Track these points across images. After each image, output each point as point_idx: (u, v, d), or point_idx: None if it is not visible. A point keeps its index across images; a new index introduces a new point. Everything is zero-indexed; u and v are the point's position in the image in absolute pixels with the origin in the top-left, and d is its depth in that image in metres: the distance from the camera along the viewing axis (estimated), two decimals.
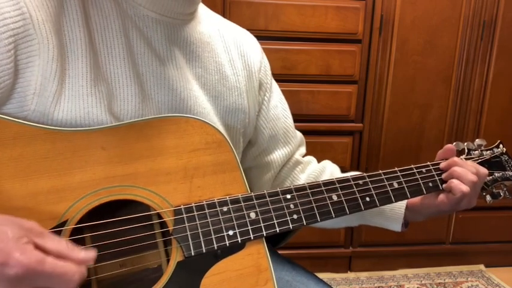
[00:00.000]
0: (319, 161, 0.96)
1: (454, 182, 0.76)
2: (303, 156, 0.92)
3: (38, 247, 0.45)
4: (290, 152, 0.88)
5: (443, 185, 0.78)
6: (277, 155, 0.87)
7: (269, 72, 0.87)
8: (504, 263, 2.25)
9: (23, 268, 0.42)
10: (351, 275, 2.14)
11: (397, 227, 0.85)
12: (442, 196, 0.78)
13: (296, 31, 1.84)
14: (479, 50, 1.98)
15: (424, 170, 0.78)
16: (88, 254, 0.48)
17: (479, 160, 0.84)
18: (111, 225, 0.57)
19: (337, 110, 1.94)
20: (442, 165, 0.80)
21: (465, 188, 0.75)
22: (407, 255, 2.18)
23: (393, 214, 0.84)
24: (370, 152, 2.03)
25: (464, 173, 0.76)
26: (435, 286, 2.06)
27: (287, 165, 0.89)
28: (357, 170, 2.03)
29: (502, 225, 2.21)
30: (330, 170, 0.91)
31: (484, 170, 0.79)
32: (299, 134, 0.92)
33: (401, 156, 2.04)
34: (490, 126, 2.06)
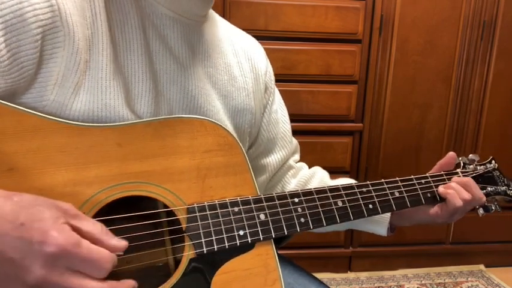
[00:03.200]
0: (318, 162, 0.98)
1: (451, 194, 0.80)
2: (296, 163, 0.94)
3: (74, 229, 0.46)
4: (285, 157, 0.90)
5: (439, 190, 0.81)
6: (273, 158, 0.89)
7: (273, 78, 0.89)
8: (504, 263, 2.26)
9: (59, 247, 0.43)
10: (351, 275, 2.14)
11: (383, 231, 0.88)
12: (436, 208, 0.82)
13: (296, 31, 1.85)
14: (479, 50, 1.98)
15: (423, 181, 0.82)
16: (121, 242, 0.49)
17: (474, 174, 0.88)
18: (126, 220, 0.57)
19: (337, 110, 1.95)
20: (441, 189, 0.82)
21: (458, 203, 0.79)
22: (407, 255, 2.18)
23: (379, 218, 0.87)
24: (370, 152, 2.03)
25: (460, 190, 0.80)
26: (435, 286, 2.06)
27: (281, 170, 0.91)
28: (357, 170, 2.04)
29: (502, 225, 2.21)
30: (319, 176, 0.93)
31: (482, 196, 0.83)
32: (295, 141, 0.95)
33: (401, 156, 2.05)
34: (490, 126, 2.07)
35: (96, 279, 0.46)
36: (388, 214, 0.86)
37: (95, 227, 0.48)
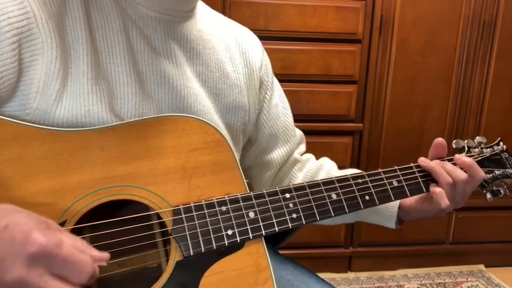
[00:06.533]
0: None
1: (437, 194, 0.74)
2: (302, 155, 0.92)
3: None
4: (289, 151, 0.88)
5: (431, 188, 0.76)
6: (277, 153, 0.87)
7: (270, 71, 0.87)
8: (504, 263, 2.25)
9: (41, 247, 0.43)
10: (351, 275, 2.14)
11: (391, 224, 0.85)
12: (425, 204, 0.78)
13: (296, 31, 1.84)
14: (479, 50, 1.97)
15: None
16: (102, 254, 0.49)
17: (480, 158, 0.83)
18: (110, 225, 0.57)
19: (337, 110, 1.94)
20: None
21: (444, 204, 0.74)
22: (407, 255, 2.18)
23: (386, 212, 0.84)
24: (370, 152, 2.03)
25: (441, 172, 0.75)
26: (435, 286, 2.05)
27: (286, 164, 0.89)
28: (357, 169, 2.03)
29: (502, 225, 2.20)
30: (327, 168, 0.91)
31: (480, 174, 0.76)
32: (298, 132, 0.92)
33: (401, 156, 2.04)
34: (490, 126, 2.06)
35: (74, 285, 0.45)
36: (396, 208, 0.82)
37: (76, 240, 0.47)
